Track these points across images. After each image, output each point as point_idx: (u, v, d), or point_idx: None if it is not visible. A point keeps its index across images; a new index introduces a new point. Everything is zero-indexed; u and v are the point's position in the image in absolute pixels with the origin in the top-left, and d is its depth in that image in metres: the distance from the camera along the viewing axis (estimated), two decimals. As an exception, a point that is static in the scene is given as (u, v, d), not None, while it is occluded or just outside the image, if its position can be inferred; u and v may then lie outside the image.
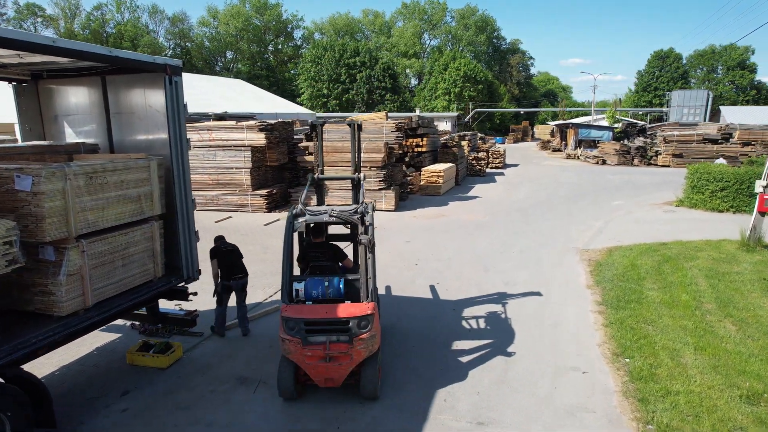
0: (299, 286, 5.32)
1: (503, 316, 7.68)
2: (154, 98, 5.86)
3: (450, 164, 21.74)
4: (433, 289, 8.95)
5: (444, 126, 44.10)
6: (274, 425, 5.06)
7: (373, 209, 5.73)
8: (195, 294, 6.37)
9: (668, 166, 31.13)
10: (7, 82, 6.26)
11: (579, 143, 38.82)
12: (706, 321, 7.21)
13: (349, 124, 6.88)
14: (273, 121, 17.50)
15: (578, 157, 36.80)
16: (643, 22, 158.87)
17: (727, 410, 5.03)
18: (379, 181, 16.29)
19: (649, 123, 51.50)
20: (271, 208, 16.54)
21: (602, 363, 6.13)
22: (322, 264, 5.84)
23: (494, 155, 30.39)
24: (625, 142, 36.07)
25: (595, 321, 7.42)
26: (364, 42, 70.30)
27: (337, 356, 5.01)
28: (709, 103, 52.72)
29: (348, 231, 7.04)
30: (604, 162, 33.41)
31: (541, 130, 63.82)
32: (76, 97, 6.29)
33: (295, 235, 5.84)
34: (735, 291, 8.45)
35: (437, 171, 19.87)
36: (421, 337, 6.96)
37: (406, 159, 20.75)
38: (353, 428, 4.97)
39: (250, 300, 8.22)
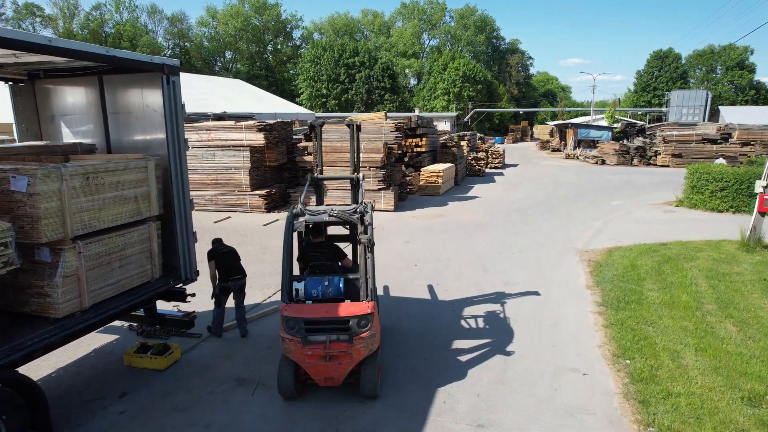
0: (299, 286, 5.34)
1: (502, 316, 7.64)
2: (152, 98, 5.82)
3: (449, 164, 21.71)
4: (432, 289, 8.92)
5: (443, 126, 44.06)
6: (273, 426, 5.02)
7: (372, 209, 5.77)
8: (193, 295, 6.33)
9: (667, 166, 31.13)
10: (3, 82, 6.22)
11: (578, 143, 38.82)
12: (706, 322, 7.18)
13: (348, 125, 6.90)
14: (272, 121, 17.47)
15: (577, 157, 36.80)
16: (643, 22, 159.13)
17: (728, 412, 5.00)
18: (379, 181, 16.26)
19: (648, 123, 51.52)
20: (270, 209, 16.50)
21: (602, 364, 6.10)
22: (322, 263, 5.87)
23: (493, 155, 30.37)
24: (625, 142, 36.06)
25: (595, 322, 7.39)
26: (364, 42, 70.25)
27: (337, 355, 5.03)
28: (708, 103, 52.74)
29: (347, 231, 7.05)
30: (603, 162, 33.40)
31: (540, 130, 63.86)
32: (73, 96, 6.26)
33: (295, 235, 5.89)
34: (735, 292, 8.42)
35: (436, 171, 19.84)
36: (421, 337, 6.93)
37: (406, 159, 20.71)
38: (353, 429, 4.94)
39: (248, 301, 8.18)
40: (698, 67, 70.99)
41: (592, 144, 37.72)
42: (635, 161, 32.70)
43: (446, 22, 74.75)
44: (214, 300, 6.91)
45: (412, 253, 11.26)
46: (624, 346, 6.47)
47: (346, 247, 6.89)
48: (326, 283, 5.36)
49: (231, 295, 7.05)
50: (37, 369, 5.79)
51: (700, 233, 12.85)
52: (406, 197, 18.69)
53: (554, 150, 43.92)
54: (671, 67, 66.70)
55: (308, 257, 6.10)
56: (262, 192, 16.39)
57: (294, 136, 19.60)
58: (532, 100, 79.88)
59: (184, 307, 7.08)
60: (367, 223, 5.39)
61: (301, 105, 55.24)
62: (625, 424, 4.93)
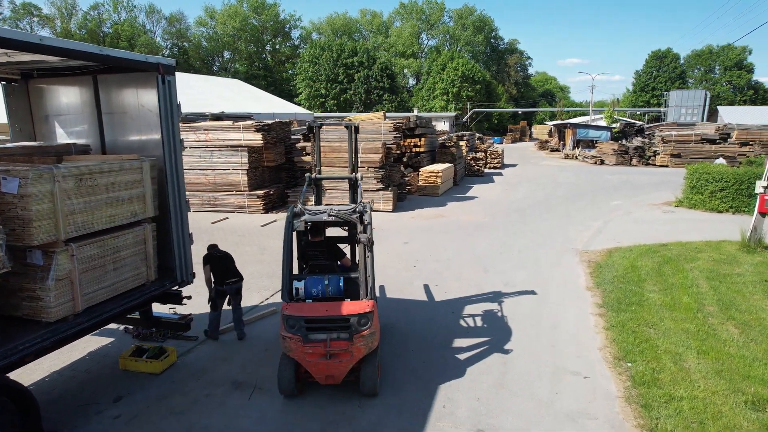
0: (299, 285, 5.39)
1: (502, 318, 7.57)
2: (147, 98, 5.73)
3: (448, 164, 21.64)
4: (431, 290, 8.85)
5: (442, 126, 44.00)
6: (271, 429, 4.95)
7: (371, 209, 5.82)
8: (189, 298, 6.24)
9: (666, 166, 31.11)
10: (-3, 82, 6.13)
11: (577, 143, 38.77)
12: (708, 324, 7.12)
13: (347, 126, 6.92)
14: (270, 121, 17.37)
15: (576, 157, 36.76)
16: (641, 23, 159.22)
17: (732, 417, 4.93)
18: (377, 181, 16.18)
19: (647, 123, 51.51)
20: (268, 209, 16.41)
21: (603, 367, 6.03)
22: (321, 263, 5.95)
23: (492, 155, 30.31)
24: (623, 142, 36.02)
25: (595, 324, 7.33)
26: (362, 42, 70.15)
27: (338, 353, 5.06)
28: (707, 103, 52.74)
29: (345, 232, 7.03)
30: (602, 162, 33.37)
31: (539, 130, 63.74)
32: (68, 96, 6.17)
33: (294, 234, 5.97)
34: (737, 293, 8.36)
35: (435, 171, 19.77)
36: (420, 338, 6.85)
37: (404, 159, 20.62)
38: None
39: (246, 303, 8.10)
40: (697, 67, 71.03)
41: (591, 144, 37.68)
42: (634, 161, 32.68)
43: (445, 22, 74.74)
44: (210, 304, 6.83)
45: (411, 254, 11.18)
46: (625, 348, 6.40)
47: (345, 247, 6.88)
48: (326, 281, 5.41)
49: (228, 298, 6.97)
50: (30, 373, 5.71)
51: (701, 234, 12.80)
52: (405, 197, 18.62)
53: (553, 150, 43.89)
54: (670, 67, 66.74)
55: (308, 256, 6.16)
56: (260, 192, 16.30)
57: (292, 136, 19.50)
58: (530, 100, 79.84)
59: (181, 309, 7.00)
60: (366, 222, 5.42)
61: (299, 105, 55.11)
62: (628, 429, 4.86)
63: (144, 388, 5.64)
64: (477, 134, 36.91)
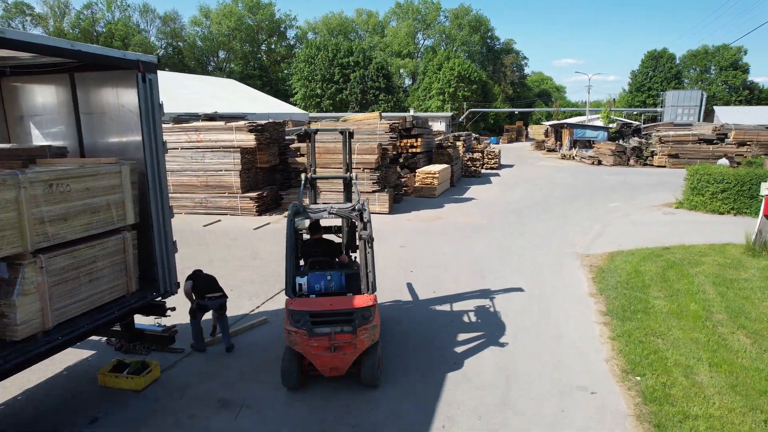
0: (302, 281, 5.59)
1: (504, 328, 7.25)
2: (127, 97, 5.38)
3: (445, 165, 21.34)
4: (429, 297, 8.52)
5: (438, 126, 43.75)
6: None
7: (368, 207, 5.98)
8: (173, 309, 5.90)
9: (664, 166, 30.94)
10: (-34, 80, 5.77)
11: (574, 143, 38.56)
12: (718, 333, 6.83)
13: (341, 132, 7.08)
14: (263, 122, 17.00)
15: (573, 157, 36.55)
16: (636, 23, 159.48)
17: (750, 436, 4.64)
18: (373, 183, 15.85)
19: (644, 123, 51.40)
20: (261, 212, 16.05)
21: (611, 381, 5.72)
22: (321, 259, 6.19)
23: (489, 156, 30.03)
24: (621, 142, 35.83)
25: (600, 333, 7.02)
26: (358, 42, 69.84)
27: (342, 346, 5.22)
28: (703, 103, 52.69)
29: (336, 232, 7.38)
30: (599, 162, 33.15)
31: (535, 130, 63.65)
32: (43, 96, 5.81)
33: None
34: (745, 299, 8.08)
35: (432, 172, 19.45)
36: (417, 350, 6.52)
37: (401, 160, 20.32)
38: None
39: (236, 311, 7.80)
40: (692, 67, 71.05)
41: (588, 144, 37.47)
42: (631, 161, 32.47)
43: (441, 22, 74.50)
44: (189, 313, 6.51)
45: (408, 258, 10.86)
46: (633, 360, 6.09)
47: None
48: (329, 277, 5.67)
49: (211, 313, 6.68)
50: (1, 390, 5.35)
51: (703, 236, 12.53)
52: (401, 199, 18.29)
53: (550, 150, 43.67)
54: (665, 67, 66.73)
55: (307, 253, 6.41)
56: (253, 194, 15.94)
57: (287, 137, 19.14)
58: (526, 100, 79.70)
59: (167, 320, 6.66)
60: (366, 219, 5.60)
61: (295, 105, 54.73)
62: (640, 451, 4.56)
63: (123, 408, 5.28)
64: (473, 134, 36.65)
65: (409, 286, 9.14)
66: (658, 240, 12.22)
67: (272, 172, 17.70)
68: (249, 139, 15.67)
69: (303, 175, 6.79)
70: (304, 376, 5.60)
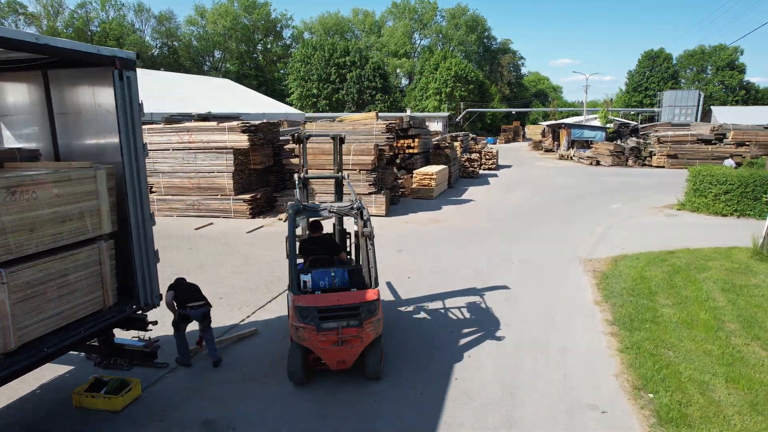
0: (306, 278, 5.71)
1: (507, 340, 6.90)
2: (104, 96, 5.01)
3: (443, 166, 20.99)
4: (428, 307, 8.16)
5: (435, 126, 43.43)
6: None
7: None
8: (155, 323, 5.52)
9: (663, 167, 30.69)
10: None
11: (572, 144, 38.30)
12: (732, 345, 6.49)
13: (333, 137, 7.37)
14: (257, 122, 16.60)
15: (571, 157, 36.29)
16: (631, 24, 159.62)
17: (776, 462, 4.30)
18: (369, 184, 15.49)
19: (641, 123, 51.22)
20: (255, 214, 15.66)
21: (623, 399, 5.37)
22: (322, 257, 6.37)
23: (487, 156, 29.71)
24: (619, 142, 35.57)
25: (608, 345, 6.68)
26: (354, 41, 69.44)
27: (349, 339, 5.36)
28: (701, 103, 52.58)
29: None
30: (598, 163, 32.89)
31: (532, 130, 63.43)
32: (15, 95, 5.43)
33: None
34: (757, 307, 7.76)
35: (430, 173, 19.09)
36: (416, 365, 6.16)
37: (397, 161, 19.97)
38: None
39: (225, 321, 7.44)
40: (689, 67, 71.01)
41: (586, 144, 37.21)
42: (630, 162, 32.22)
43: (437, 22, 74.16)
44: (173, 326, 6.14)
45: (406, 264, 10.49)
46: (645, 375, 5.75)
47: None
48: (333, 273, 5.83)
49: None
50: (-32, 413, 4.97)
51: (707, 240, 12.23)
52: (398, 201, 17.94)
53: (547, 150, 43.41)
54: (662, 67, 66.64)
55: (308, 251, 6.53)
56: (247, 196, 15.55)
57: (281, 137, 18.76)
58: (523, 100, 79.47)
59: (152, 332, 6.27)
60: (366, 217, 5.80)
61: (291, 105, 54.32)
62: (657, 479, 4.21)
63: None
64: (471, 135, 36.34)
65: (407, 294, 8.79)
66: (661, 243, 11.90)
67: (266, 174, 17.31)
68: (242, 140, 15.27)
69: (296, 175, 6.94)
70: (309, 371, 5.72)
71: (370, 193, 15.51)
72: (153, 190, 16.11)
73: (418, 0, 73.19)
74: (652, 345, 6.49)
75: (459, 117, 59.06)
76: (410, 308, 8.09)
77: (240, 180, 15.76)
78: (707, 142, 30.88)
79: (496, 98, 70.90)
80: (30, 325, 4.11)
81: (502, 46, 78.53)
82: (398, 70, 73.07)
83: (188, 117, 18.99)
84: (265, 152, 16.55)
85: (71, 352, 6.06)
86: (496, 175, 26.99)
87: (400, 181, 18.73)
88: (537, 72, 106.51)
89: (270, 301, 8.41)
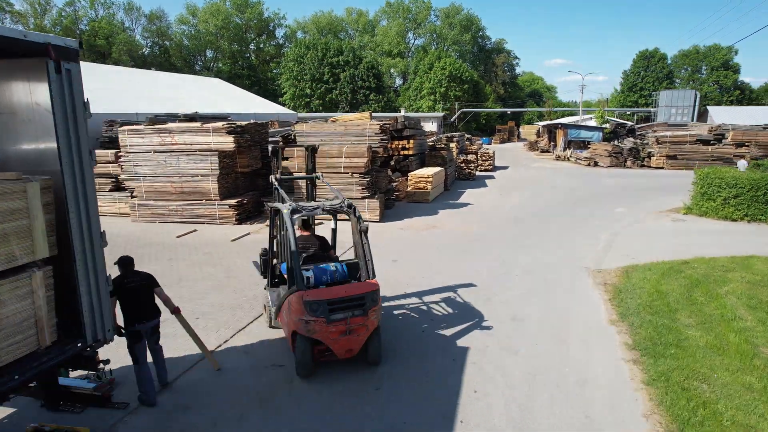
0: (309, 274, 6.00)
1: (517, 369, 6.12)
2: (42, 94, 4.16)
3: (439, 168, 20.21)
4: (428, 328, 7.36)
5: (430, 126, 42.73)
6: None
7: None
8: (107, 362, 4.69)
9: (662, 167, 30.12)
10: None
11: (568, 144, 37.67)
12: (772, 376, 5.75)
13: (306, 148, 7.81)
14: (244, 123, 15.74)
15: (568, 158, 35.65)
16: (625, 24, 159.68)
17: None
18: (363, 188, 14.67)
19: (636, 123, 50.74)
20: (241, 220, 14.81)
21: (657, 448, 4.61)
22: (314, 254, 6.77)
23: (483, 157, 28.98)
24: (616, 142, 34.96)
25: (631, 376, 5.91)
26: (348, 41, 68.64)
27: (356, 328, 5.68)
28: (697, 103, 52.20)
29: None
30: (595, 164, 32.25)
31: (527, 131, 62.88)
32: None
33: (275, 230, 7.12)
34: (790, 328, 7.03)
35: (426, 176, 18.31)
36: (411, 402, 5.37)
37: (392, 163, 19.17)
38: None
39: (195, 348, 6.54)
40: (684, 67, 70.75)
41: (583, 145, 36.59)
42: (629, 163, 31.61)
43: (431, 21, 73.48)
44: (129, 353, 5.31)
45: (402, 277, 9.68)
46: (679, 417, 4.98)
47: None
48: (333, 268, 6.17)
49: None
50: None
51: (721, 247, 11.53)
52: (393, 204, 17.14)
53: (543, 151, 42.76)
54: (657, 66, 66.37)
55: (299, 249, 6.56)
56: (233, 201, 14.70)
57: (271, 138, 17.91)
58: (518, 100, 78.92)
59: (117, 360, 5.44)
60: (358, 214, 6.19)
61: (284, 105, 53.41)
62: None
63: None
64: (466, 135, 35.63)
65: (404, 311, 7.99)
66: (672, 252, 11.18)
67: (254, 177, 16.46)
68: (227, 142, 14.41)
69: (271, 177, 7.21)
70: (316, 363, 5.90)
71: (363, 198, 14.70)
72: (134, 194, 15.25)
73: (412, -1, 72.53)
74: (682, 376, 5.73)
75: (454, 117, 58.39)
76: (406, 328, 7.28)
77: (226, 184, 14.91)
78: (706, 142, 30.34)
79: (491, 98, 70.30)
80: (-70, 381, 3.27)
81: (497, 45, 77.93)
82: (392, 70, 72.34)
83: (174, 117, 18.11)
84: (253, 154, 15.71)
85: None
86: (493, 177, 26.26)
87: (394, 184, 17.94)
88: (531, 72, 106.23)
89: (252, 322, 7.59)
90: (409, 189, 18.33)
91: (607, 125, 43.22)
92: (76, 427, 4.68)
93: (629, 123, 47.70)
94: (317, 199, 7.86)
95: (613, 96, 74.50)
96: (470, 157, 26.60)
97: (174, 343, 6.74)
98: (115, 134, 16.31)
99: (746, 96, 67.58)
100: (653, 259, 10.63)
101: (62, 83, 4.01)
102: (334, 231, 7.71)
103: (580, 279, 9.58)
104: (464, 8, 72.37)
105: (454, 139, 27.60)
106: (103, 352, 4.85)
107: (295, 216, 5.99)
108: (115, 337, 4.87)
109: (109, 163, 16.03)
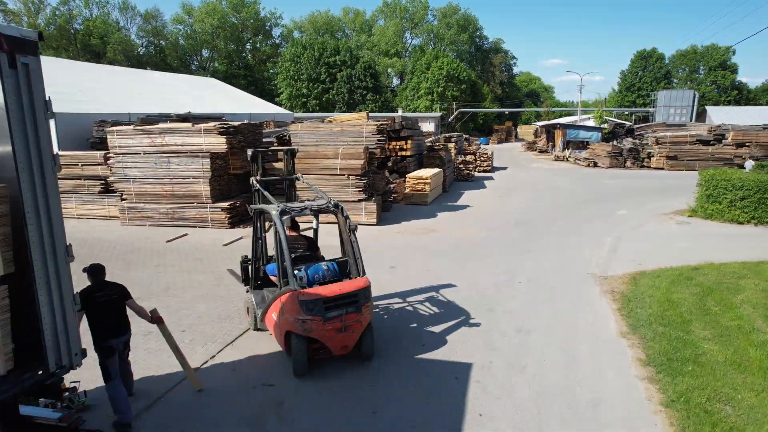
0: (302, 274, 5.96)
1: (525, 388, 5.68)
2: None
3: (437, 169, 19.79)
4: (428, 343, 6.92)
5: (427, 127, 42.35)
6: None
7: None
8: (72, 390, 4.23)
9: (662, 168, 29.77)
10: None
11: (567, 144, 37.32)
12: (800, 397, 5.33)
13: (286, 152, 8.05)
14: (237, 123, 15.28)
15: (567, 159, 35.30)
16: (621, 24, 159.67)
17: None
18: (359, 191, 14.23)
19: (635, 123, 50.48)
20: (234, 223, 14.35)
21: (683, 482, 4.18)
22: (303, 254, 6.81)
23: (482, 158, 28.57)
24: (615, 143, 34.63)
25: (647, 396, 5.48)
26: (345, 41, 68.15)
27: (351, 324, 5.76)
28: (695, 103, 51.96)
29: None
30: (595, 164, 31.89)
31: (525, 131, 62.60)
32: None
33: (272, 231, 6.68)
34: (813, 341, 6.62)
35: (424, 177, 17.88)
36: (416, 427, 4.93)
37: (389, 164, 18.72)
38: None
39: (177, 366, 6.08)
40: (681, 67, 70.57)
41: (582, 145, 36.24)
42: (628, 163, 31.26)
43: (429, 21, 73.05)
44: (101, 370, 4.87)
45: (399, 284, 9.24)
46: (704, 445, 4.57)
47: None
48: (325, 267, 6.20)
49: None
50: None
51: (729, 252, 11.13)
52: (390, 207, 16.70)
53: (542, 151, 42.43)
54: (655, 67, 66.20)
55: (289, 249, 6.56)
56: (225, 204, 14.24)
57: (265, 139, 17.46)
58: (515, 100, 78.58)
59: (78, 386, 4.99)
60: (345, 214, 6.31)
61: (280, 105, 52.92)
62: None
63: None
64: (464, 135, 35.23)
65: (402, 323, 7.55)
66: (680, 257, 10.78)
67: (247, 179, 15.91)
68: (219, 143, 13.96)
69: (252, 179, 7.30)
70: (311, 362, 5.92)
71: (359, 200, 14.27)
72: (123, 197, 14.77)
73: (409, -1, 72.09)
74: (704, 397, 5.31)
75: (451, 117, 58.02)
76: (405, 342, 6.85)
77: (218, 186, 14.45)
78: (706, 143, 30.02)
79: (488, 98, 69.95)
80: None
81: (494, 45, 77.62)
82: (389, 70, 71.91)
83: (167, 117, 17.63)
84: (246, 156, 15.22)
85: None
86: (492, 178, 25.86)
87: (392, 186, 17.52)
88: (528, 72, 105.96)
89: (241, 335, 7.14)
90: (406, 191, 17.90)
91: (606, 125, 42.93)
92: (40, 461, 4.22)
93: (628, 123, 47.45)
94: (300, 201, 8.07)
95: (611, 96, 74.30)
96: (468, 157, 26.22)
97: (157, 359, 6.30)
98: (106, 135, 15.82)
99: (744, 96, 67.49)
100: (660, 265, 10.23)
101: (18, 79, 3.56)
102: (315, 231, 7.81)
103: (586, 286, 9.16)
104: (461, 8, 72.03)
105: (452, 139, 27.21)
106: (72, 373, 4.41)
107: (284, 217, 6.04)
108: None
109: (98, 164, 15.53)
